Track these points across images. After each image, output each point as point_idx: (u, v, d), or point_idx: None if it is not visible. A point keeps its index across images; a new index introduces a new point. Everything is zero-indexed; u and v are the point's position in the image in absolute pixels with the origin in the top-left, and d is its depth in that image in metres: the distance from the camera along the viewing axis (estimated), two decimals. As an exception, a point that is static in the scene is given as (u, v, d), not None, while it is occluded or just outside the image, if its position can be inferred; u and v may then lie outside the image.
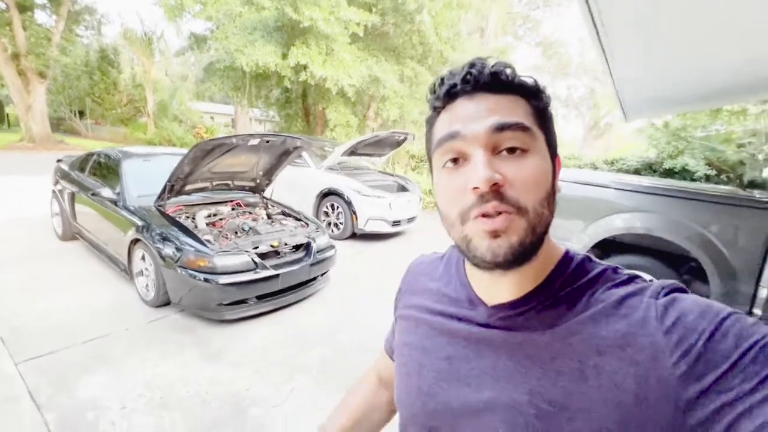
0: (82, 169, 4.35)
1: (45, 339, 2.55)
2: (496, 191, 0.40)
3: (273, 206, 4.10)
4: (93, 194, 3.57)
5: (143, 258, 3.13)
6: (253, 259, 2.97)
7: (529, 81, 0.44)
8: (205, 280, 2.77)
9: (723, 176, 6.10)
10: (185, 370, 2.38)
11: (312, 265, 3.38)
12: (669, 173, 6.20)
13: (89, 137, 21.13)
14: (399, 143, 6.44)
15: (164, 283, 2.94)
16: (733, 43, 1.66)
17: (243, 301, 2.96)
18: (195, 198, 3.74)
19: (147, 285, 3.13)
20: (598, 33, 1.62)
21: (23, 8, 13.75)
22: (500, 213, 0.40)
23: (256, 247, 3.08)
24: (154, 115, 19.90)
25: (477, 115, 0.42)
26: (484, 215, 0.40)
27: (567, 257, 0.47)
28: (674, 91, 2.85)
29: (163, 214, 3.21)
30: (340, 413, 0.72)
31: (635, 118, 4.53)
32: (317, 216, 5.72)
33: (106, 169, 4.02)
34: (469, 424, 0.46)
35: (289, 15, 7.75)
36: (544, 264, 0.45)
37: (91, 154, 4.43)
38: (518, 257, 0.41)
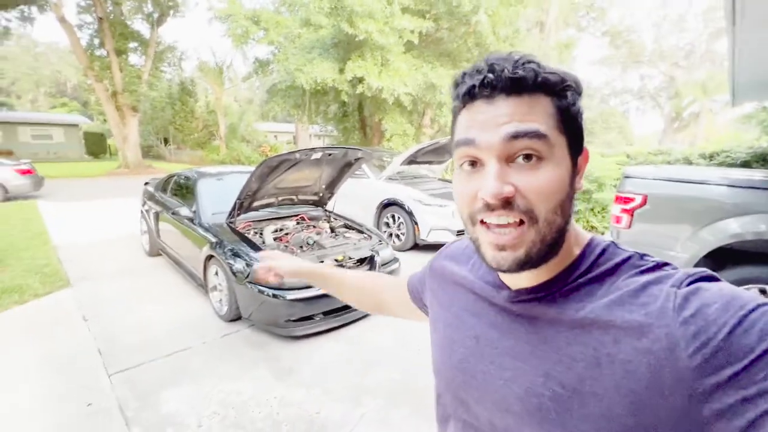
0: (164, 190, 4.73)
1: (133, 351, 2.71)
2: (506, 201, 0.41)
3: (336, 219, 4.09)
4: (173, 213, 3.82)
5: (216, 273, 3.25)
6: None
7: (553, 78, 0.41)
8: (274, 295, 2.78)
9: None
10: (258, 388, 2.36)
11: (377, 279, 3.27)
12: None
13: (172, 161, 23.61)
14: (459, 149, 6.19)
15: (236, 298, 3.01)
16: None
17: (310, 317, 2.93)
18: (262, 213, 3.85)
19: (221, 300, 3.24)
20: (734, 19, 1.32)
21: (119, 52, 15.84)
22: (508, 224, 0.42)
23: (321, 262, 3.05)
24: (225, 137, 21.67)
25: (493, 122, 0.41)
26: (491, 224, 0.43)
27: (591, 244, 0.47)
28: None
29: (234, 231, 3.32)
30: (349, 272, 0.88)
31: (746, 100, 3.85)
32: (378, 227, 5.65)
33: (184, 188, 4.31)
34: (490, 399, 0.49)
35: (345, 30, 7.94)
36: (565, 254, 0.46)
37: (171, 176, 4.80)
38: (524, 267, 0.43)
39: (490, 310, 0.52)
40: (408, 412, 2.18)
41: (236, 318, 3.14)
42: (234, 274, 2.98)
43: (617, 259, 0.44)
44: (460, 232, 5.30)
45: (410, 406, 2.23)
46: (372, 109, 9.95)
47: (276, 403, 2.23)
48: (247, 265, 2.92)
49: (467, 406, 0.53)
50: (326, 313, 2.99)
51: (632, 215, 3.17)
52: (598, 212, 6.38)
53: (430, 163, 6.36)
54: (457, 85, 0.45)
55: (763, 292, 2.69)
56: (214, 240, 3.28)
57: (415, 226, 5.16)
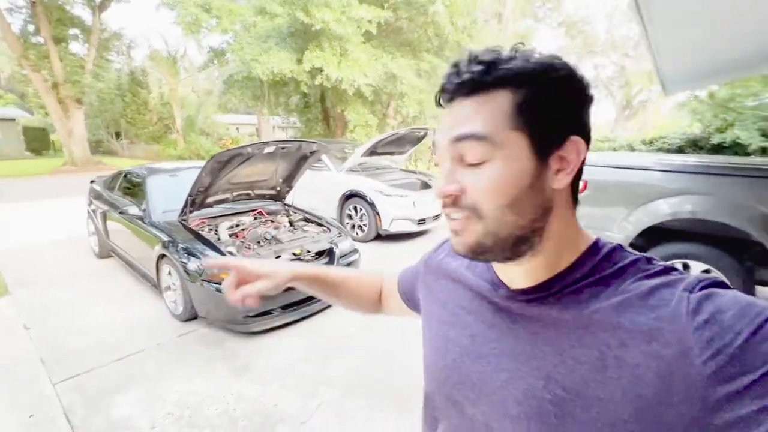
0: (111, 188, 4.49)
1: (82, 358, 2.61)
2: (454, 198, 0.43)
3: (295, 213, 4.06)
4: (121, 212, 3.65)
5: (170, 273, 3.16)
6: (275, 269, 2.92)
7: (511, 72, 0.40)
8: (230, 292, 2.74)
9: (781, 147, 5.50)
10: (214, 386, 2.35)
11: (336, 271, 3.30)
12: (718, 149, 5.65)
13: (125, 156, 22.27)
14: (419, 139, 6.27)
15: (191, 297, 2.95)
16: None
17: (268, 312, 2.93)
18: (218, 210, 3.76)
19: (175, 300, 3.16)
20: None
21: (58, 40, 14.61)
22: (457, 219, 0.44)
23: (278, 256, 3.04)
24: (183, 130, 20.67)
25: (446, 125, 0.43)
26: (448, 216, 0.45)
27: (596, 246, 0.45)
28: (721, 57, 2.54)
29: (186, 228, 3.23)
30: (338, 269, 0.80)
31: (676, 91, 4.15)
32: (341, 219, 5.66)
33: (133, 186, 4.12)
34: (487, 401, 0.47)
35: (300, 19, 7.75)
36: (563, 253, 0.45)
37: (119, 173, 4.57)
38: (481, 255, 0.44)
39: (488, 309, 0.51)
40: (363, 402, 2.24)
41: (192, 317, 3.07)
42: (187, 272, 2.91)
43: (624, 262, 0.43)
44: (421, 222, 5.41)
45: (365, 395, 2.30)
46: (334, 100, 9.84)
47: (233, 400, 2.23)
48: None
49: (461, 409, 0.51)
50: (284, 307, 2.99)
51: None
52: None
53: (391, 153, 6.41)
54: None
55: (685, 266, 2.97)
56: (165, 239, 3.18)
57: (377, 216, 5.22)
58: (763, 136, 5.48)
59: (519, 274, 0.47)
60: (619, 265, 0.43)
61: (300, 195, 6.15)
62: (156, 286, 3.42)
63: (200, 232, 3.30)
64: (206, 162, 2.95)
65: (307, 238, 3.43)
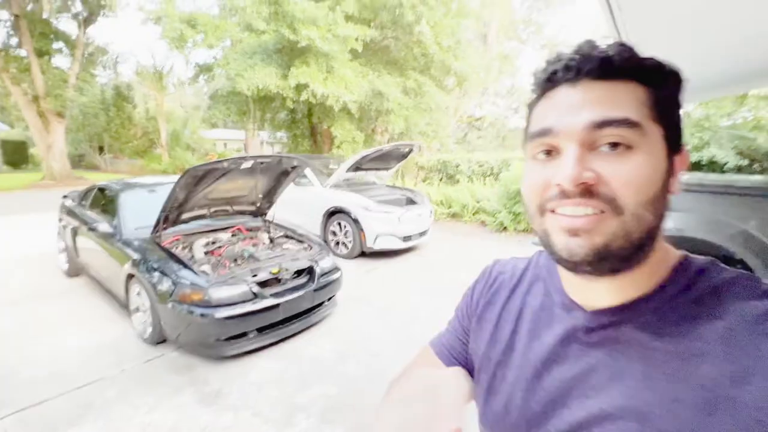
0: (83, 204, 4.31)
1: (35, 387, 2.40)
2: (585, 189, 0.35)
3: (276, 229, 3.94)
4: (90, 228, 3.48)
5: (139, 293, 2.99)
6: (251, 289, 2.79)
7: (649, 63, 0.37)
8: (201, 315, 2.60)
9: (756, 165, 5.66)
10: (180, 416, 2.18)
11: (316, 290, 3.18)
12: (695, 167, 5.79)
13: (108, 171, 21.81)
14: (405, 155, 6.26)
15: (160, 319, 2.78)
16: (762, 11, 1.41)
17: (243, 335, 2.78)
18: (194, 226, 3.61)
19: (144, 321, 2.98)
20: (613, 16, 1.40)
21: (40, 53, 14.42)
22: (586, 216, 0.35)
23: (255, 275, 2.91)
24: (168, 145, 20.41)
25: (577, 106, 0.36)
26: (565, 215, 0.37)
27: (687, 261, 0.40)
28: (698, 76, 2.57)
29: (159, 246, 3.08)
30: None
31: None
32: (325, 235, 5.54)
33: (105, 201, 3.95)
34: None
35: (287, 36, 7.81)
36: (654, 270, 0.39)
37: (92, 188, 4.40)
38: (603, 261, 0.36)
39: (557, 335, 0.43)
40: (343, 428, 2.10)
41: (161, 341, 2.90)
42: (157, 293, 2.76)
43: (722, 279, 0.37)
44: (406, 238, 5.33)
45: (344, 422, 2.16)
46: (320, 116, 9.85)
47: (200, 431, 2.07)
48: (173, 283, 2.72)
49: None
50: (261, 329, 2.85)
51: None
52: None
53: (377, 169, 6.37)
54: (536, 74, 0.41)
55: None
56: (135, 257, 3.02)
57: (362, 233, 5.12)
58: (738, 154, 5.64)
59: (602, 293, 0.40)
60: (718, 282, 0.37)
61: (283, 211, 6.04)
62: (125, 307, 3.23)
63: (173, 249, 3.15)
64: (180, 176, 2.84)
65: (287, 255, 3.31)
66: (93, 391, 2.39)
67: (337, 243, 5.41)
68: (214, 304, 2.64)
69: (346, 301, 3.75)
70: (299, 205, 5.84)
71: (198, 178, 2.94)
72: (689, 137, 6.21)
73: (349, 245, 5.28)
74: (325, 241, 5.52)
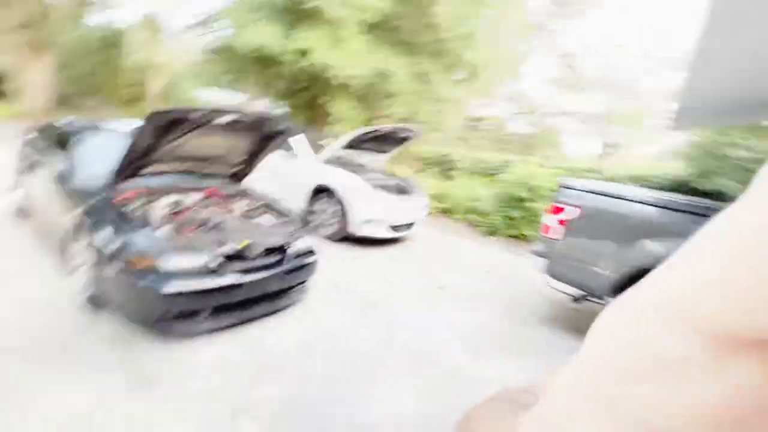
0: (41, 140, 3.82)
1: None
2: None
3: (253, 199, 3.54)
4: (42, 168, 3.03)
5: (82, 250, 2.59)
6: (211, 262, 2.42)
7: None
8: (147, 286, 2.22)
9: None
10: (100, 402, 1.82)
11: (287, 272, 2.83)
12: (706, 195, 5.56)
13: (92, 116, 20.75)
14: (403, 140, 5.88)
15: (101, 283, 2.40)
16: None
17: (195, 313, 2.42)
18: (161, 182, 3.19)
19: (84, 282, 2.58)
20: None
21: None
22: None
23: (221, 246, 2.53)
24: (156, 99, 19.44)
25: None
26: None
27: None
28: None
29: (111, 200, 2.67)
30: None
31: (689, 126, 3.93)
32: (307, 214, 5.16)
33: (63, 140, 3.48)
34: None
35: (296, -5, 7.28)
36: None
37: (52, 124, 3.91)
38: None
39: None
40: (290, 440, 1.79)
41: (100, 307, 2.51)
42: (100, 253, 2.36)
43: None
44: (394, 228, 5.00)
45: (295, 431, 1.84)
46: (320, 89, 9.32)
47: (121, 425, 1.72)
48: (120, 245, 2.32)
49: None
50: (217, 309, 2.49)
51: (565, 226, 3.05)
52: (534, 221, 6.46)
53: (372, 151, 5.98)
54: None
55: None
56: (83, 209, 2.61)
57: (346, 216, 4.76)
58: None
59: None
60: None
61: (267, 181, 5.63)
62: (67, 262, 2.82)
63: (130, 206, 2.74)
64: (145, 120, 2.42)
65: (260, 230, 2.94)
66: (4, 361, 2.01)
67: (320, 224, 5.04)
68: (163, 275, 2.26)
69: (321, 289, 3.41)
70: (285, 176, 5.43)
71: (161, 127, 2.52)
72: (703, 164, 6.00)
73: (333, 227, 4.92)
74: (308, 220, 5.14)
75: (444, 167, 9.99)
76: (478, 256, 5.40)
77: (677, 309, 0.17)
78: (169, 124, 2.56)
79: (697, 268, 0.17)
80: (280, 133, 3.18)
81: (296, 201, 5.26)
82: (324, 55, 7.78)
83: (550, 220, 3.17)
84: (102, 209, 2.56)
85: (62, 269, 2.90)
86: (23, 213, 3.90)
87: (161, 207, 2.88)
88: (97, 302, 2.48)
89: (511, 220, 6.51)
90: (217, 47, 10.25)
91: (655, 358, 0.17)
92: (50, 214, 3.12)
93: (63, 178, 2.97)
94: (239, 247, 2.64)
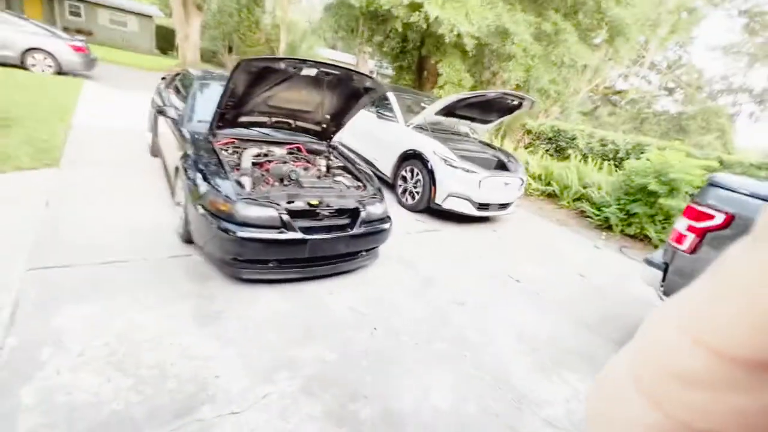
0: (168, 87, 4.34)
1: (69, 250, 2.46)
2: None
3: (337, 158, 3.52)
4: (159, 111, 3.43)
5: (183, 188, 2.88)
6: (281, 216, 2.45)
7: None
8: (225, 229, 2.35)
9: None
10: (167, 328, 2.02)
11: (354, 236, 2.75)
12: None
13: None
14: (512, 109, 5.21)
15: (189, 220, 2.64)
16: None
17: (264, 261, 2.52)
18: (253, 133, 3.35)
19: (181, 217, 2.89)
20: None
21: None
22: None
23: (290, 202, 2.55)
24: (284, 54, 20.99)
25: None
26: None
27: None
28: None
29: (208, 144, 2.87)
30: None
31: None
32: (395, 179, 5.03)
33: (184, 87, 3.88)
34: None
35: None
36: None
37: (179, 73, 4.39)
38: None
39: None
40: (319, 411, 1.74)
41: (191, 241, 2.79)
42: (191, 192, 2.58)
43: None
44: (482, 207, 4.57)
45: (326, 402, 1.79)
46: (431, 48, 8.80)
47: (177, 352, 1.88)
48: (208, 187, 2.49)
49: None
50: (282, 262, 2.56)
51: (702, 237, 2.33)
52: (660, 221, 5.30)
53: (472, 120, 5.47)
54: None
55: None
56: (187, 149, 2.87)
57: (433, 187, 4.49)
58: None
59: None
60: None
61: (357, 142, 5.62)
62: (173, 198, 3.20)
63: (223, 152, 2.93)
64: (233, 69, 2.47)
65: (335, 190, 2.89)
66: (109, 271, 2.36)
67: (404, 191, 4.88)
68: (239, 221, 2.37)
69: (389, 258, 3.29)
70: (375, 140, 5.34)
71: (252, 74, 2.55)
72: None
73: (417, 196, 4.71)
74: (393, 186, 5.02)
75: (559, 145, 8.81)
76: (576, 253, 4.66)
77: (719, 341, 0.21)
78: (258, 74, 2.58)
79: (730, 301, 0.21)
80: (368, 90, 3.01)
81: (385, 165, 5.16)
82: (437, 8, 7.23)
83: (684, 225, 2.44)
84: (199, 153, 2.77)
85: (172, 204, 3.30)
86: (154, 151, 4.56)
87: (248, 157, 3.02)
88: (187, 237, 2.75)
89: (633, 215, 5.43)
90: (335, 2, 10.36)
91: (701, 374, 0.21)
92: (168, 152, 3.54)
93: (179, 121, 3.30)
94: (311, 204, 2.63)
